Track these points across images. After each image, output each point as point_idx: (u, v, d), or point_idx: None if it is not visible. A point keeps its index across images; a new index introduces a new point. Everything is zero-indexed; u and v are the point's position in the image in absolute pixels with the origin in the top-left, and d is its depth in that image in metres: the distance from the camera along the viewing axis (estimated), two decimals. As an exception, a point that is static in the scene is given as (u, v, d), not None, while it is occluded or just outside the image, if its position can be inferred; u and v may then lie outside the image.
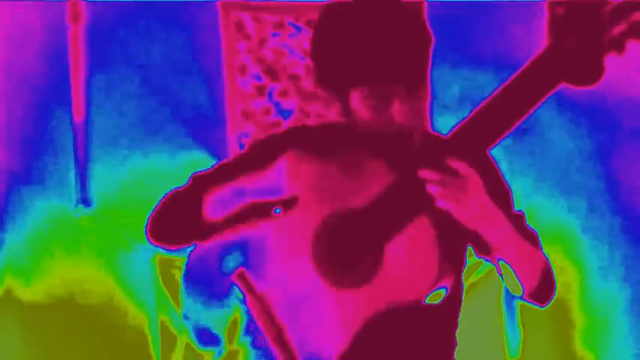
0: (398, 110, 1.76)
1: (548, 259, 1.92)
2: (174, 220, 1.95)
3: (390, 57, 1.73)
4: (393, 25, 1.75)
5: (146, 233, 1.99)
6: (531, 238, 1.91)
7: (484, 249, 1.84)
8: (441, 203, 1.71)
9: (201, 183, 1.96)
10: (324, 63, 1.81)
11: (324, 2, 1.84)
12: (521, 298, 1.91)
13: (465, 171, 1.70)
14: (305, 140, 1.92)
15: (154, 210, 1.99)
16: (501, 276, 1.88)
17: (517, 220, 1.87)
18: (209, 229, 1.90)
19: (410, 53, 1.75)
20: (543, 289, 1.90)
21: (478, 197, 1.71)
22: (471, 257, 1.95)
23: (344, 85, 1.79)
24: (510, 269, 1.83)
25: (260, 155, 1.92)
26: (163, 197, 1.99)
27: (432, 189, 1.71)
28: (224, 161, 2.02)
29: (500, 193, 1.83)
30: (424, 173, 1.71)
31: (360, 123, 1.81)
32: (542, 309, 1.98)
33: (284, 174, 1.79)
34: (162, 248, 2.03)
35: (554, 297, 1.96)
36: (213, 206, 1.89)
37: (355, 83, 1.77)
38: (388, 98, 1.76)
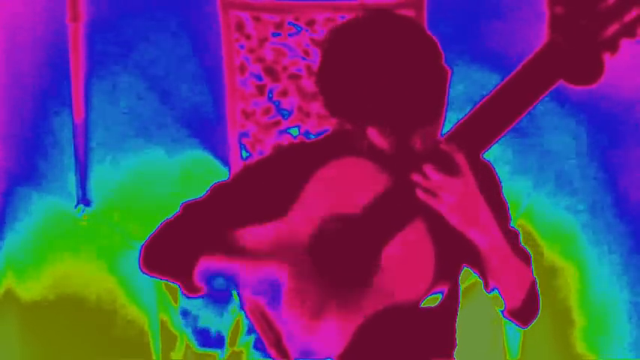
0: (417, 140, 1.75)
1: (536, 280, 1.89)
2: (167, 268, 1.93)
3: (412, 100, 1.70)
4: (413, 66, 1.70)
5: (138, 261, 1.97)
6: (522, 256, 1.87)
7: (473, 259, 1.82)
8: (429, 202, 1.70)
9: (196, 215, 1.93)
10: (337, 99, 1.77)
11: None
12: (502, 314, 1.88)
13: (457, 170, 1.69)
14: (301, 163, 1.89)
15: (147, 241, 1.96)
16: (487, 290, 1.86)
17: (510, 237, 1.84)
18: (196, 290, 1.90)
19: (431, 94, 1.72)
20: (526, 310, 1.87)
21: (468, 199, 1.70)
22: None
23: (361, 122, 1.77)
24: (495, 283, 1.81)
25: (257, 185, 1.91)
26: (157, 230, 1.95)
27: (419, 191, 1.70)
28: (217, 185, 1.97)
29: (496, 205, 1.81)
30: (415, 177, 1.71)
31: (374, 144, 1.79)
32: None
33: (282, 298, 1.78)
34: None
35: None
36: (204, 277, 1.87)
37: (375, 123, 1.75)
38: (408, 132, 1.75)
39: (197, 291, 1.90)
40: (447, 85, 1.76)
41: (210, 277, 1.86)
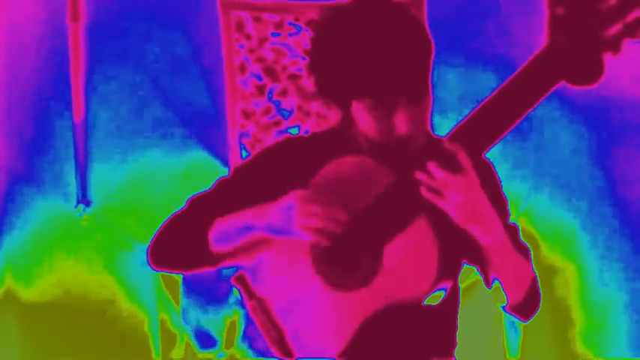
0: (401, 119, 1.75)
1: (536, 275, 1.91)
2: (179, 252, 1.93)
3: (393, 68, 1.71)
4: (395, 35, 1.73)
5: (147, 258, 1.98)
6: (523, 251, 1.89)
7: (475, 256, 1.83)
8: (434, 200, 1.71)
9: (202, 208, 1.94)
10: (325, 74, 1.79)
11: (324, 2, 1.84)
12: (504, 309, 1.90)
13: (461, 169, 1.70)
14: (304, 154, 1.90)
15: (154, 236, 1.97)
16: (488, 286, 1.87)
17: (510, 232, 1.85)
18: (215, 260, 1.90)
19: (413, 63, 1.74)
20: (527, 305, 1.89)
21: (472, 197, 1.71)
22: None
23: (346, 96, 1.78)
24: (497, 279, 1.83)
25: (261, 177, 1.92)
26: (164, 224, 1.96)
27: (423, 190, 1.71)
28: (222, 179, 1.99)
29: (496, 203, 1.82)
30: (419, 175, 1.71)
31: (362, 131, 1.81)
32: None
33: (292, 219, 1.76)
34: (164, 272, 2.02)
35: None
36: (220, 240, 1.88)
37: (358, 95, 1.76)
38: (391, 108, 1.75)
39: (216, 259, 1.89)
40: (429, 60, 1.77)
41: (229, 240, 1.86)
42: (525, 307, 1.89)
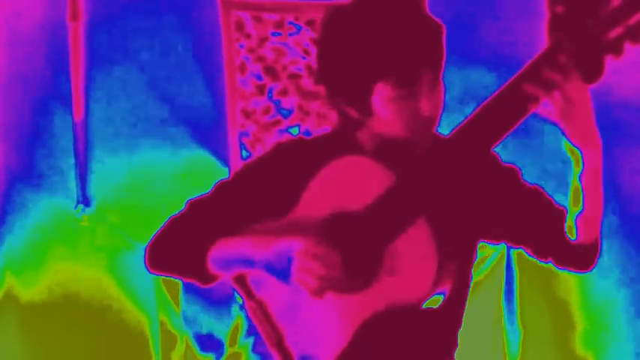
0: (424, 101, 1.76)
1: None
2: (177, 260, 1.92)
3: (412, 42, 1.73)
4: (406, 14, 1.76)
5: (145, 261, 1.96)
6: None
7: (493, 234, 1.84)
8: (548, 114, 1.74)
9: (201, 212, 1.93)
10: (341, 68, 1.78)
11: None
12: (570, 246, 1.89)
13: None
14: (305, 157, 1.89)
15: (153, 239, 1.95)
16: (512, 248, 1.90)
17: (559, 216, 1.93)
18: (212, 280, 1.90)
19: (429, 36, 1.76)
20: (593, 250, 1.91)
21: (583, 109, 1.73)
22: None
23: (368, 82, 1.77)
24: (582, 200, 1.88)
25: (262, 180, 1.91)
26: (163, 228, 1.95)
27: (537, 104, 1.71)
28: (222, 182, 1.97)
29: (533, 196, 1.84)
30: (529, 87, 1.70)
31: (385, 121, 1.79)
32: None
33: (290, 272, 1.74)
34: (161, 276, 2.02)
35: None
36: (218, 265, 1.87)
37: (381, 75, 1.75)
38: (415, 88, 1.75)
39: (212, 279, 1.89)
40: (442, 37, 1.79)
41: (227, 265, 1.85)
42: (591, 251, 1.91)
